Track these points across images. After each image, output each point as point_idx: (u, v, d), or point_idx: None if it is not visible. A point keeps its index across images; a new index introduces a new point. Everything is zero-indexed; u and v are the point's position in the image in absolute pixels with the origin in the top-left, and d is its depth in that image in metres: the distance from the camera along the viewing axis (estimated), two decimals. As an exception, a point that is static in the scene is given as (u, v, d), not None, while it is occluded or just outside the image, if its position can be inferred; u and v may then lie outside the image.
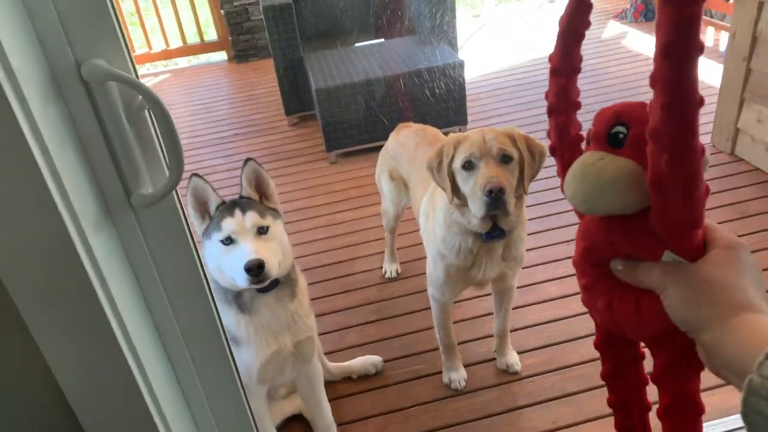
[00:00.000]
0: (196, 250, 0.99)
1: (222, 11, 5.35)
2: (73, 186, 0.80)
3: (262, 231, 1.41)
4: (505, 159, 1.55)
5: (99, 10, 0.79)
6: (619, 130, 0.58)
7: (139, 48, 5.62)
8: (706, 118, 3.45)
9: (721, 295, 0.51)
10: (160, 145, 0.90)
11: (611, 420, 1.60)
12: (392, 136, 2.28)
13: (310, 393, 1.75)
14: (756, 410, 0.42)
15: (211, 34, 5.87)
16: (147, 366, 0.95)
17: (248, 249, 1.35)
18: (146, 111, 0.87)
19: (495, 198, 1.50)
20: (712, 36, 4.67)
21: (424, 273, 2.55)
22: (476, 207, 1.55)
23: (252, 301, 1.46)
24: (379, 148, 2.37)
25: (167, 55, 5.70)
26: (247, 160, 1.46)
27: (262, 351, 1.49)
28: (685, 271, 0.54)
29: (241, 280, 1.35)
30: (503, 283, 1.87)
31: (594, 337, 0.72)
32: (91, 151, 0.85)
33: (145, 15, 5.71)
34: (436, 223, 1.76)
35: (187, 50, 5.73)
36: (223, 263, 1.38)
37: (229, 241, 1.39)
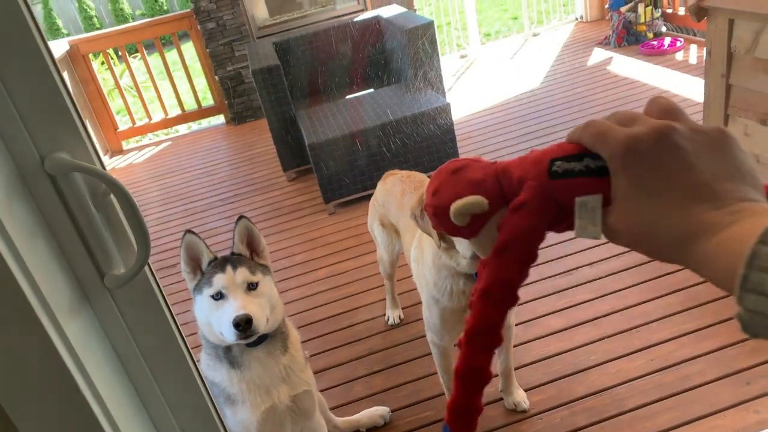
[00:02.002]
0: (176, 322, 1.02)
1: (216, 77, 5.51)
2: (44, 276, 0.83)
3: (251, 287, 1.44)
4: None
5: (58, 105, 0.84)
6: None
7: (139, 119, 5.78)
8: (695, 135, 3.47)
9: (666, 232, 0.43)
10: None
11: None
12: (380, 185, 2.32)
13: (315, 451, 1.74)
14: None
15: (208, 100, 6.04)
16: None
17: (237, 305, 1.39)
18: (111, 196, 0.91)
19: None
20: (695, 53, 4.74)
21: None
22: (463, 247, 1.56)
23: (242, 355, 1.48)
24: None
25: (167, 123, 5.85)
26: (240, 217, 1.50)
27: (256, 408, 1.50)
28: (614, 227, 0.47)
29: (229, 335, 1.38)
30: (500, 321, 1.86)
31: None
32: (62, 239, 0.88)
33: (143, 87, 5.91)
34: (426, 267, 1.78)
35: (186, 117, 5.88)
36: (213, 318, 1.42)
37: (219, 296, 1.42)
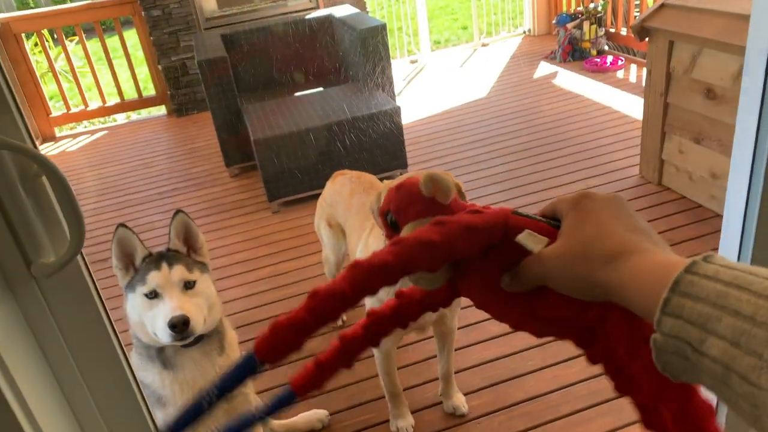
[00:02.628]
0: (109, 317, 0.96)
1: (159, 66, 5.33)
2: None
3: (188, 285, 1.39)
4: None
5: (-13, 78, 0.78)
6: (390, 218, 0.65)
7: (74, 106, 5.52)
8: (633, 151, 3.61)
9: (599, 249, 0.47)
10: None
11: None
12: (328, 184, 2.29)
13: (250, 455, 1.68)
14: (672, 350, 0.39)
15: (149, 89, 5.83)
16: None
17: (173, 305, 1.33)
18: (42, 178, 0.84)
19: None
20: (635, 72, 4.93)
21: (369, 319, 2.55)
22: None
23: (176, 356, 1.42)
24: (320, 195, 2.37)
25: (104, 112, 5.61)
26: (177, 212, 1.44)
27: None
28: (554, 249, 0.50)
29: (164, 336, 1.31)
30: (443, 325, 1.86)
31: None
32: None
33: (80, 73, 5.64)
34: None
35: (124, 106, 5.66)
36: (146, 317, 1.35)
37: (153, 294, 1.36)
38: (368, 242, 1.84)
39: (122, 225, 1.37)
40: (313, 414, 2.05)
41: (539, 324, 0.58)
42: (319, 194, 2.41)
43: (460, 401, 2.03)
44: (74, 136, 5.42)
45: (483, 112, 4.64)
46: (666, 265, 0.42)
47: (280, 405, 0.64)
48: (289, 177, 3.52)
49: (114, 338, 0.96)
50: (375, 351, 1.90)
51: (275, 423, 2.00)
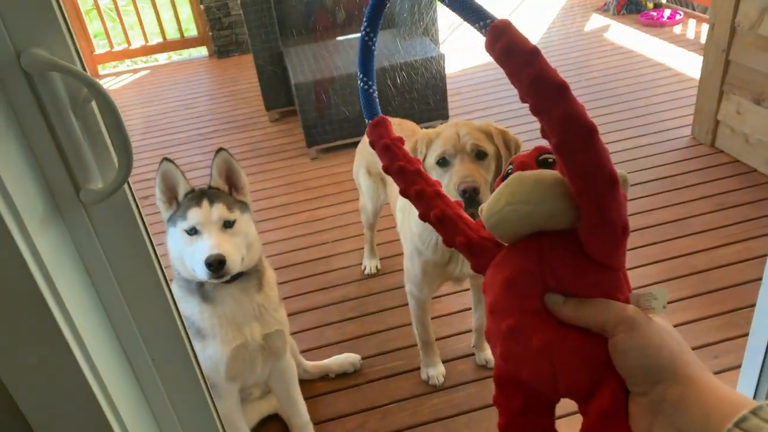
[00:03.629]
0: (153, 247, 0.96)
1: (201, 6, 5.28)
2: (15, 183, 0.76)
3: (228, 224, 1.39)
4: (480, 155, 1.53)
5: (39, -4, 0.76)
6: (546, 156, 0.58)
7: (117, 44, 5.54)
8: (686, 111, 3.46)
9: (680, 350, 0.48)
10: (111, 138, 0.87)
11: None
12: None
13: (284, 391, 1.72)
14: None
15: (191, 30, 5.80)
16: (102, 369, 0.91)
17: (211, 243, 1.33)
18: (92, 103, 0.83)
19: (469, 198, 1.47)
20: (694, 28, 4.68)
21: (402, 269, 2.55)
22: None
23: (215, 291, 1.43)
24: (359, 143, 2.34)
25: (147, 51, 5.62)
26: (219, 150, 1.43)
27: (227, 344, 1.46)
28: (640, 318, 0.49)
29: (202, 274, 1.33)
30: (481, 277, 1.84)
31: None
32: (36, 145, 0.81)
33: (124, 11, 5.64)
34: (412, 218, 1.73)
35: (166, 46, 5.65)
36: (185, 253, 1.36)
37: (193, 231, 1.37)
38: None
39: (167, 159, 1.38)
40: (345, 357, 2.08)
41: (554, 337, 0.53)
42: (358, 143, 2.38)
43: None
44: (117, 74, 5.46)
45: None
46: (730, 402, 0.44)
47: None
48: (328, 123, 3.49)
49: (158, 267, 0.97)
50: (410, 299, 1.90)
51: (309, 364, 2.04)
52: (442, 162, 1.53)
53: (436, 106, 3.54)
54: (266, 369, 1.62)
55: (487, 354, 2.03)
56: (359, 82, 0.76)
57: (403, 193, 0.70)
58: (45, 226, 0.82)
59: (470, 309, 2.21)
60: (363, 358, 2.10)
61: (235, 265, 1.36)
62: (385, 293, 2.43)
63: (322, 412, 1.94)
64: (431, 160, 1.55)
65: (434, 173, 1.56)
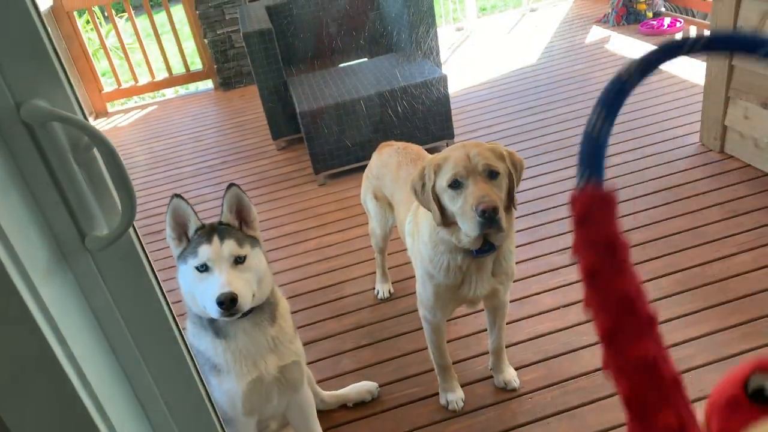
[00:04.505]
0: (162, 289, 0.96)
1: (205, 40, 5.36)
2: (18, 233, 0.76)
3: (239, 260, 1.38)
4: (492, 174, 1.51)
5: (38, 49, 0.77)
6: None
7: (125, 81, 5.62)
8: (692, 117, 3.43)
9: None
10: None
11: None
12: (375, 156, 2.25)
13: (302, 423, 1.70)
14: None
15: (196, 64, 5.88)
16: (115, 418, 0.90)
17: (222, 281, 1.33)
18: (94, 150, 0.84)
19: (489, 218, 1.45)
20: (694, 35, 4.67)
21: (414, 293, 2.53)
22: (469, 227, 1.50)
23: (227, 326, 1.43)
24: (366, 167, 2.34)
25: (154, 87, 5.70)
26: (230, 185, 1.43)
27: (242, 378, 1.45)
28: None
29: (213, 312, 1.32)
30: (495, 299, 1.82)
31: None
32: (39, 194, 0.81)
33: (130, 49, 5.73)
34: (421, 242, 1.72)
35: (173, 81, 5.73)
36: (197, 290, 1.36)
37: (204, 268, 1.36)
38: (417, 215, 1.81)
39: (177, 195, 1.38)
40: (362, 386, 2.05)
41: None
42: (365, 166, 2.38)
43: (511, 375, 2.00)
44: (126, 111, 5.53)
45: (532, 79, 4.50)
46: None
47: None
48: (335, 149, 3.50)
49: (167, 310, 0.97)
50: (424, 324, 1.88)
51: (326, 394, 2.01)
52: (455, 184, 1.51)
53: (441, 126, 3.54)
54: (283, 401, 1.60)
55: (506, 376, 1.99)
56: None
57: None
58: (50, 275, 0.82)
59: (486, 330, 2.19)
60: (380, 386, 2.08)
61: (246, 302, 1.35)
62: (399, 317, 2.41)
63: (341, 443, 1.91)
64: (442, 183, 1.53)
65: (446, 196, 1.54)
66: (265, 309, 1.47)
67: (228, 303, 1.30)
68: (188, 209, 1.38)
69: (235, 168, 4.03)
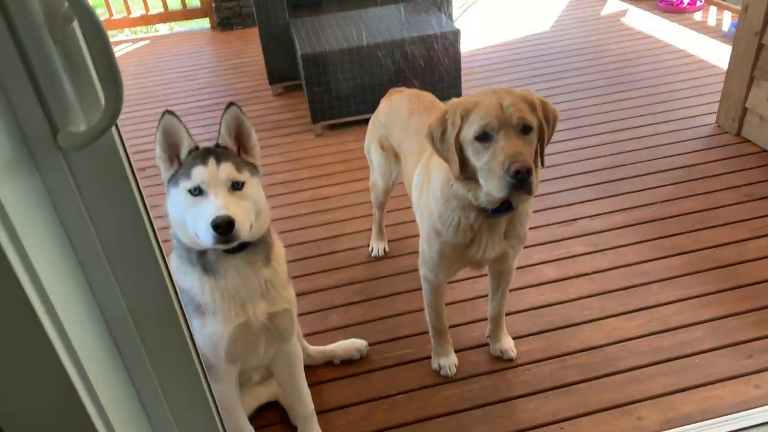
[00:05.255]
0: (146, 205, 0.81)
1: (205, -25, 5.09)
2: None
3: (236, 186, 1.25)
4: (525, 129, 1.36)
5: None
6: None
7: (117, 12, 5.34)
8: (709, 98, 3.31)
9: None
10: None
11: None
12: (383, 102, 2.10)
13: (288, 377, 1.58)
14: None
15: (194, 1, 5.60)
16: (81, 351, 0.76)
17: (218, 204, 1.19)
18: (74, 24, 0.68)
19: (521, 179, 1.29)
20: (715, 15, 4.52)
21: (413, 252, 2.40)
22: (495, 187, 1.34)
23: (218, 261, 1.29)
24: (368, 121, 2.18)
25: (147, 20, 5.42)
26: (230, 104, 1.28)
27: (229, 321, 1.32)
28: None
29: (206, 238, 1.18)
30: (503, 263, 1.70)
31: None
32: (5, 77, 0.66)
33: (125, -22, 5.44)
34: (431, 196, 1.58)
35: (167, 16, 5.46)
36: (188, 216, 1.21)
37: (198, 191, 1.22)
38: (429, 166, 1.66)
39: (169, 111, 1.23)
40: (351, 343, 1.94)
41: None
42: (365, 119, 2.22)
43: (508, 345, 1.89)
44: (116, 43, 5.27)
45: (545, 46, 4.33)
46: None
47: None
48: (335, 99, 3.32)
49: (150, 228, 0.82)
50: (424, 284, 1.76)
51: (313, 349, 1.90)
52: (483, 137, 1.35)
53: (449, 84, 3.38)
54: (270, 352, 1.48)
55: (503, 345, 1.89)
56: None
57: None
58: (12, 174, 0.67)
59: (485, 296, 2.08)
60: (370, 345, 1.97)
61: (243, 229, 1.21)
62: (394, 277, 2.29)
63: (326, 400, 1.80)
64: (469, 133, 1.37)
65: (471, 149, 1.38)
66: (259, 248, 1.34)
67: (224, 227, 1.17)
68: (181, 128, 1.24)
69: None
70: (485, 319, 1.97)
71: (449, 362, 1.85)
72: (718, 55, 3.82)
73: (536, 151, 1.42)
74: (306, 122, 3.53)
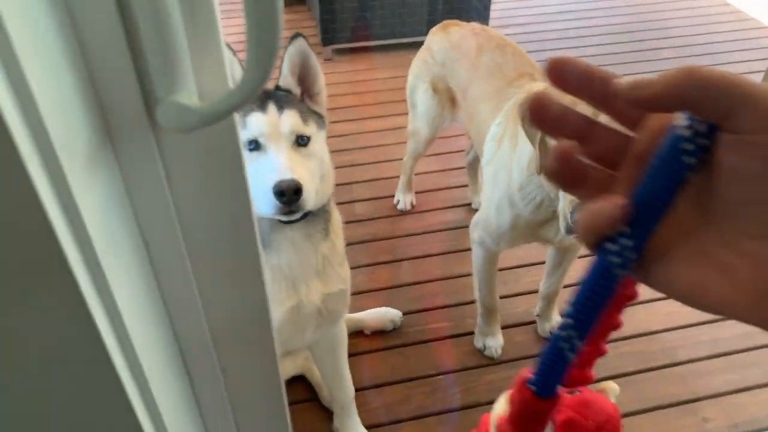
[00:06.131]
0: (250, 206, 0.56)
1: None
2: (50, 92, 0.35)
3: (301, 142, 0.99)
4: None
5: None
6: None
7: None
8: (752, 55, 3.11)
9: None
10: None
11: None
12: (438, 37, 1.79)
13: (331, 361, 1.37)
14: None
15: None
16: (153, 383, 0.52)
17: (282, 164, 0.95)
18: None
19: None
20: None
21: (443, 208, 2.18)
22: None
23: (271, 233, 1.05)
24: (386, 47, 1.88)
25: None
26: (296, 35, 1.02)
27: (279, 304, 1.09)
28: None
29: (266, 206, 0.94)
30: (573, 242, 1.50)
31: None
32: (88, 27, 0.38)
33: None
34: (516, 163, 1.34)
35: None
36: None
37: (254, 146, 0.97)
38: (507, 116, 1.41)
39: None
40: (384, 312, 1.74)
41: None
42: (383, 46, 1.91)
43: (559, 325, 1.73)
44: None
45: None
46: None
47: None
48: (352, 18, 2.96)
49: (257, 242, 0.58)
50: (478, 250, 1.55)
51: (344, 318, 1.69)
52: None
53: (478, 13, 3.05)
54: (317, 335, 1.26)
55: (554, 325, 1.72)
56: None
57: None
58: (92, 164, 0.41)
59: (528, 265, 1.90)
60: (403, 314, 1.77)
61: (310, 197, 0.97)
62: (424, 236, 2.07)
63: (358, 378, 1.60)
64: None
65: None
66: (319, 218, 1.10)
67: (290, 194, 0.92)
68: (234, 59, 0.97)
69: (223, 22, 3.42)
70: (529, 293, 1.80)
71: (496, 343, 1.68)
72: (758, 6, 3.58)
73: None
74: (315, 43, 3.16)
